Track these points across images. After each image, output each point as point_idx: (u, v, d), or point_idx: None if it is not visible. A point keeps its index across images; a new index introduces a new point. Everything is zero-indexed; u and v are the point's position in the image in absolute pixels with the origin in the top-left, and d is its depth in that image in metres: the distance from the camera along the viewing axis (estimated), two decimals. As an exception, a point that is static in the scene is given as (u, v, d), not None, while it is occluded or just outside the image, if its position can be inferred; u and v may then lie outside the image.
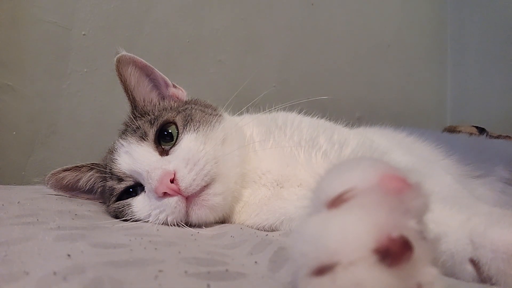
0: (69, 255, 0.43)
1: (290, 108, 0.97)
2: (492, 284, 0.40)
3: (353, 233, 0.26)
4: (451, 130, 1.82)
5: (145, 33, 1.52)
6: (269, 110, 0.98)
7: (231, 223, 0.83)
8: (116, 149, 0.81)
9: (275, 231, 0.79)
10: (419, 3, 2.31)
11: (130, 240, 0.51)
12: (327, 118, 0.98)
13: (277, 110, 0.96)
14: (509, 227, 0.41)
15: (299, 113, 0.97)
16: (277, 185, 0.84)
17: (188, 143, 0.76)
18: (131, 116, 0.85)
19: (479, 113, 2.21)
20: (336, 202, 0.29)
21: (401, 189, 0.28)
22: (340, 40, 1.99)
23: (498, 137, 1.67)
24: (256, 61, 1.75)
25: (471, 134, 1.75)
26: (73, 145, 1.41)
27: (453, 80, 2.37)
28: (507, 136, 1.69)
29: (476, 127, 1.86)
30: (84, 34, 1.42)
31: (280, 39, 1.82)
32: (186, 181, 0.70)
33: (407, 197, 0.28)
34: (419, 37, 2.28)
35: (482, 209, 0.47)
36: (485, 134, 1.80)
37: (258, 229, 0.80)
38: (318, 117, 0.98)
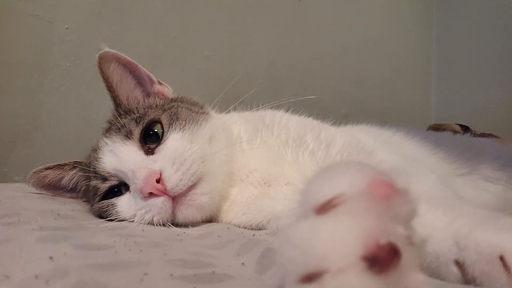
0: (51, 258, 0.42)
1: (278, 106, 0.96)
2: (476, 286, 0.41)
3: (341, 240, 0.26)
4: (436, 128, 1.84)
5: (130, 27, 1.49)
6: (257, 109, 0.97)
7: (218, 222, 0.83)
8: (100, 147, 0.79)
9: (262, 229, 0.79)
10: (406, 0, 2.33)
11: (114, 241, 0.51)
12: (314, 115, 0.98)
13: (265, 108, 0.96)
14: (494, 229, 0.41)
15: (286, 112, 0.96)
16: (264, 183, 0.84)
17: (174, 142, 0.74)
18: (115, 114, 0.83)
19: (463, 111, 2.24)
20: (324, 208, 0.28)
21: (389, 194, 0.28)
22: (327, 37, 2.00)
23: (482, 135, 1.69)
24: (243, 57, 1.74)
25: (455, 132, 1.78)
26: (56, 141, 1.38)
27: (438, 78, 2.40)
28: (491, 134, 1.72)
29: (460, 125, 1.89)
30: (67, 28, 1.39)
31: (267, 35, 1.82)
32: (173, 181, 0.69)
33: (395, 203, 0.28)
34: (405, 35, 2.31)
35: (467, 210, 0.48)
36: (469, 132, 1.82)
37: (245, 228, 0.80)
38: (305, 116, 0.98)
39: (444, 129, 1.79)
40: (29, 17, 1.33)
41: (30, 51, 1.34)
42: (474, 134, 1.73)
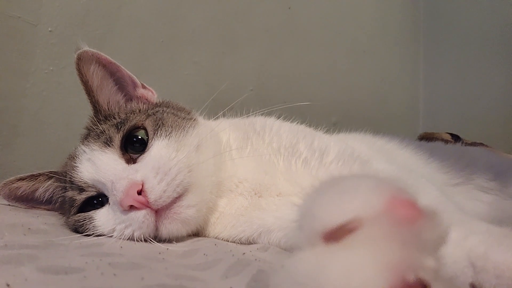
0: (8, 285, 0.36)
1: (268, 113, 0.92)
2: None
3: (360, 277, 0.20)
4: (427, 136, 1.82)
5: (117, 31, 1.44)
6: (247, 115, 0.93)
7: (205, 235, 0.78)
8: (78, 155, 0.73)
9: (252, 243, 0.74)
10: (394, 9, 2.35)
11: (86, 262, 0.45)
12: (304, 123, 0.94)
13: (255, 114, 0.91)
14: (513, 249, 0.37)
15: (277, 118, 0.92)
16: (255, 194, 0.79)
17: (159, 150, 0.69)
18: (94, 120, 0.77)
19: (451, 119, 2.26)
20: (335, 234, 0.23)
21: (413, 217, 0.23)
22: (317, 45, 1.99)
23: (473, 144, 1.68)
24: (233, 63, 1.72)
25: (446, 141, 1.77)
26: (37, 148, 1.32)
27: (426, 86, 2.42)
28: (481, 143, 1.71)
29: (451, 134, 1.88)
30: (50, 31, 1.34)
31: (257, 42, 1.80)
32: (156, 192, 0.63)
33: (421, 227, 0.23)
34: (393, 44, 2.32)
35: (479, 226, 0.43)
36: (459, 141, 1.81)
37: (234, 242, 0.76)
38: (297, 123, 0.94)
39: (434, 138, 1.78)
40: (11, 19, 1.27)
41: (11, 54, 1.27)
42: (465, 143, 1.71)
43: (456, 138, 1.80)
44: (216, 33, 1.68)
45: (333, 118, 1.98)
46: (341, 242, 0.23)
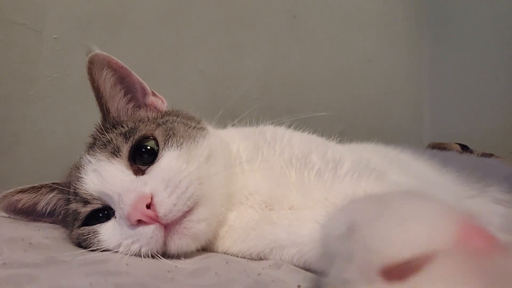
0: (6, 312, 0.33)
1: (274, 123, 0.90)
2: None
3: None
4: (436, 146, 1.80)
5: (121, 38, 1.43)
6: (256, 125, 0.91)
7: (213, 250, 0.74)
8: (83, 165, 0.70)
9: (263, 259, 0.71)
10: (399, 18, 2.36)
11: (91, 283, 0.41)
12: (310, 132, 0.91)
13: (264, 124, 0.89)
14: None
15: (288, 127, 0.89)
16: (266, 207, 0.76)
17: (169, 161, 0.65)
18: (101, 128, 0.73)
19: (457, 129, 2.26)
20: (399, 270, 0.19)
21: (491, 248, 0.19)
22: (322, 54, 2.00)
23: (483, 155, 1.66)
24: (238, 71, 1.71)
25: (456, 151, 1.74)
26: (38, 157, 1.29)
27: (431, 95, 2.43)
28: (491, 154, 1.68)
29: (460, 144, 1.86)
30: (55, 38, 1.32)
31: (262, 50, 1.80)
32: (166, 206, 0.59)
33: (502, 260, 0.19)
34: (399, 54, 2.33)
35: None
36: (469, 151, 1.79)
37: (244, 257, 0.72)
38: (309, 132, 0.91)
39: (444, 148, 1.76)
40: (16, 26, 1.25)
41: (16, 61, 1.26)
42: (476, 154, 1.69)
43: (465, 148, 1.78)
44: (221, 42, 1.67)
45: (339, 127, 1.96)
46: (407, 280, 0.19)
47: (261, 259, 0.71)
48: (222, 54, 1.67)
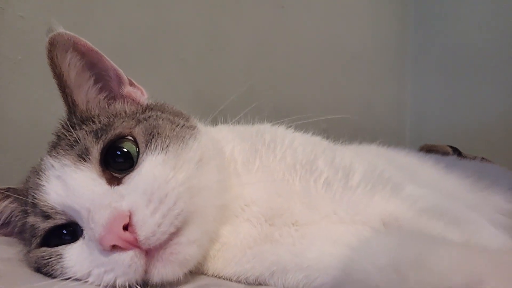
0: None
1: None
2: None
3: None
4: (428, 149, 1.76)
5: (94, 19, 1.31)
6: (248, 122, 0.82)
7: (202, 272, 0.63)
8: (43, 170, 0.56)
9: (261, 285, 0.60)
10: (384, 17, 2.38)
11: None
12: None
13: (264, 122, 0.79)
14: None
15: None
16: (265, 221, 0.65)
17: (152, 168, 0.52)
18: (67, 123, 0.60)
19: (438, 130, 2.29)
20: None
21: None
22: (308, 46, 1.97)
23: (474, 158, 1.63)
24: (221, 62, 1.63)
25: (446, 154, 1.73)
26: (0, 148, 1.15)
27: (413, 95, 2.45)
28: (484, 158, 1.66)
29: (451, 147, 1.85)
30: (20, 16, 1.19)
31: (247, 40, 1.73)
32: (148, 228, 0.47)
33: None
34: (382, 51, 2.35)
35: None
36: (460, 155, 1.77)
37: (239, 282, 0.62)
38: (312, 133, 0.81)
39: (436, 151, 1.73)
40: (-26, 1, 1.12)
41: (-27, 41, 1.13)
42: (467, 157, 1.67)
43: (456, 152, 1.75)
44: (204, 29, 1.58)
45: (323, 124, 1.90)
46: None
47: (259, 284, 0.61)
48: (205, 43, 1.58)
